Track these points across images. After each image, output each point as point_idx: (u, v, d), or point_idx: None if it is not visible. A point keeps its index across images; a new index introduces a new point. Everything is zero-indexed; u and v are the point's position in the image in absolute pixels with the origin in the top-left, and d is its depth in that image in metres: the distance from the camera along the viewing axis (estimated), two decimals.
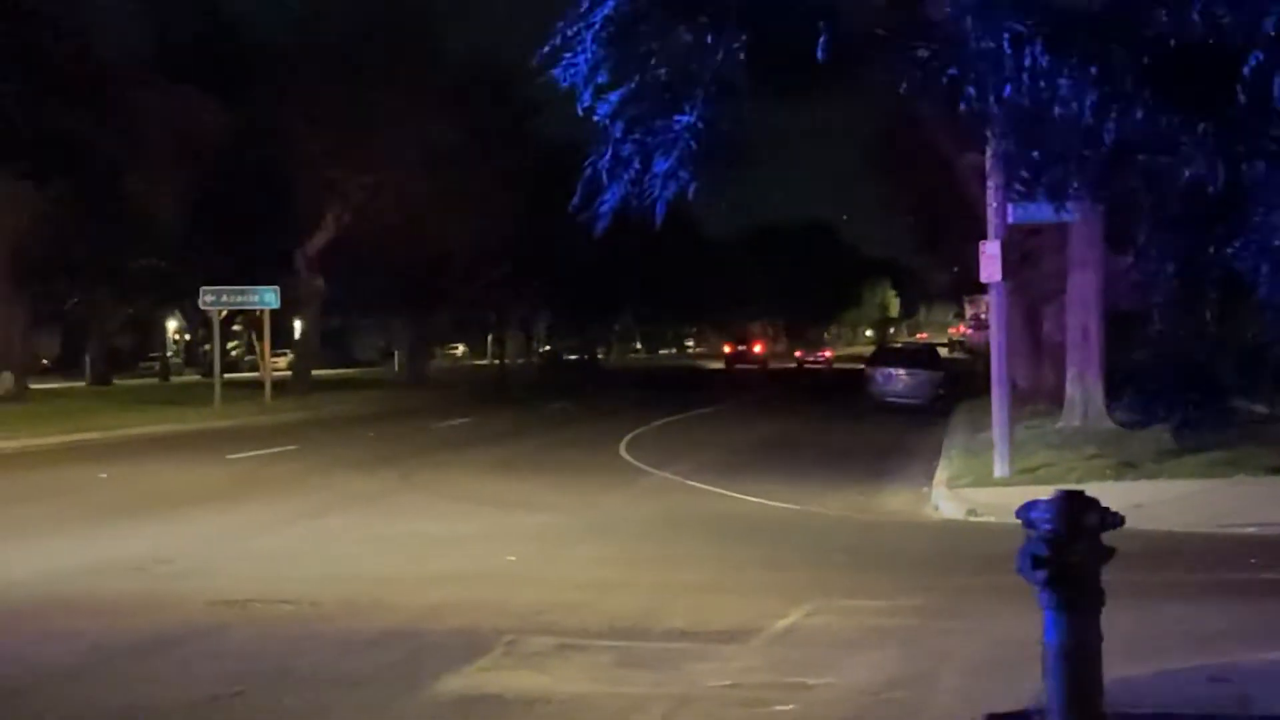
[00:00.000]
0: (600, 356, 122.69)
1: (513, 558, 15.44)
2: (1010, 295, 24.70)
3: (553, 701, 9.17)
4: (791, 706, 9.04)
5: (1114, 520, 7.03)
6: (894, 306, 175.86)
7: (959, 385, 47.07)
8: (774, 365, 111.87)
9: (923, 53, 6.57)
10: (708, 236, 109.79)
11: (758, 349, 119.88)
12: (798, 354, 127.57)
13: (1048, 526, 6.91)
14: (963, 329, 77.38)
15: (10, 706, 9.30)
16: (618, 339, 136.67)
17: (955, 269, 61.94)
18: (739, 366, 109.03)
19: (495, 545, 16.28)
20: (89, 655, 10.73)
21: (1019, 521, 7.10)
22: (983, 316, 46.82)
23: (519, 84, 63.54)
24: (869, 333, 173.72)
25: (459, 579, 13.88)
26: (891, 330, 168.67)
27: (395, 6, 61.13)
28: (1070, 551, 6.92)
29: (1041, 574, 6.94)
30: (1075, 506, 6.97)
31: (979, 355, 59.39)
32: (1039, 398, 32.91)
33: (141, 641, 11.19)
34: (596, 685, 9.62)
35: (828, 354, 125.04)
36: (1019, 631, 8.91)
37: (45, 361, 75.32)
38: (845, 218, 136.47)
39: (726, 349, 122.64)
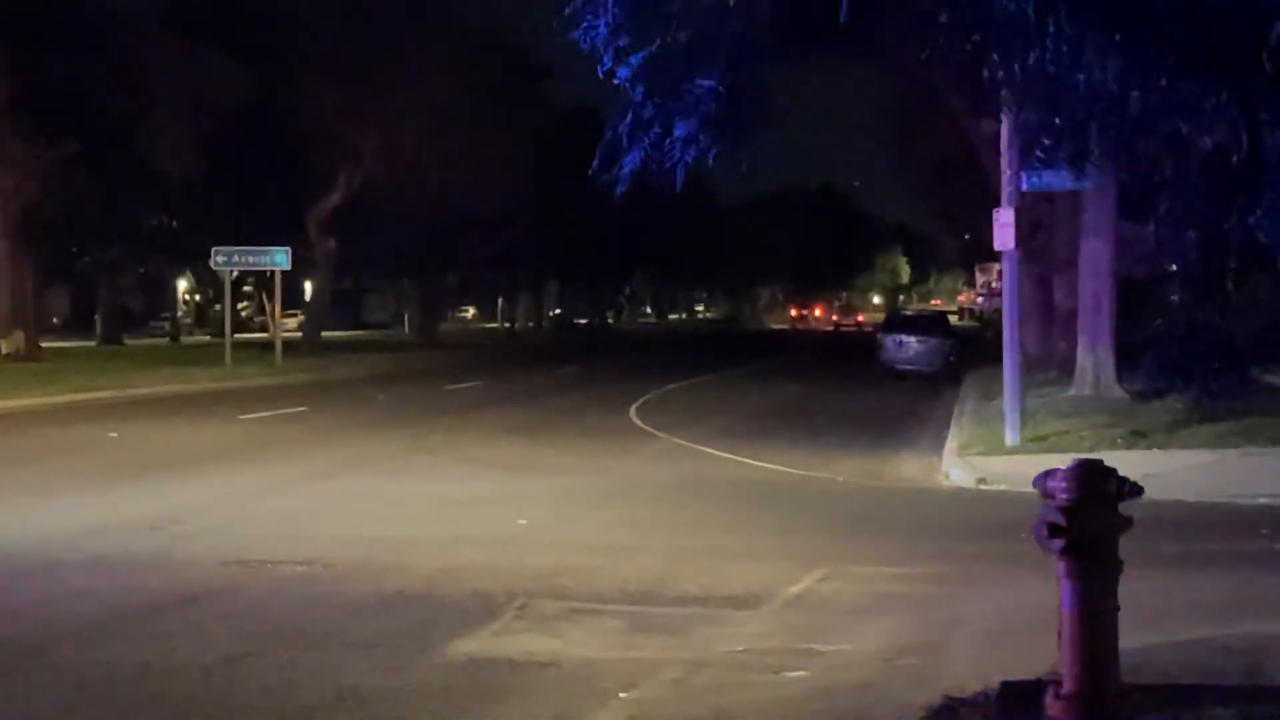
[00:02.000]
0: (610, 321, 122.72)
1: (524, 521, 15.45)
2: (1022, 263, 24.65)
3: (564, 665, 9.18)
4: (804, 672, 9.04)
5: (1132, 490, 7.02)
6: (905, 273, 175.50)
7: (968, 352, 47.01)
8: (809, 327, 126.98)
9: (945, 18, 6.54)
10: (721, 201, 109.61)
11: (818, 313, 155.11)
12: (834, 317, 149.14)
13: (1065, 495, 6.90)
14: (973, 296, 77.27)
15: (23, 666, 9.32)
16: (628, 303, 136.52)
17: (967, 236, 61.98)
18: (799, 328, 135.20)
19: (507, 509, 16.29)
20: (101, 615, 10.75)
21: (1030, 490, 7.11)
22: (994, 284, 46.68)
23: (534, 46, 63.56)
24: (876, 299, 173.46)
25: (471, 542, 13.90)
26: (901, 298, 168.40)
27: None
28: (1088, 520, 6.91)
29: (1058, 542, 6.93)
30: (1093, 475, 6.96)
31: (989, 323, 59.34)
32: (1050, 366, 32.88)
33: (154, 601, 11.21)
34: (608, 650, 9.63)
35: (860, 318, 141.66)
36: (1032, 599, 8.92)
37: (55, 320, 75.39)
38: (858, 184, 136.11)
39: (792, 312, 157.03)
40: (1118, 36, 5.92)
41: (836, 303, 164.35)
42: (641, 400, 33.48)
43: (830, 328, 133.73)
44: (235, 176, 56.30)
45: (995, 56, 6.31)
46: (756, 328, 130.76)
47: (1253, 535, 14.35)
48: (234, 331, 50.77)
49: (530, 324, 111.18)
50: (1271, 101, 5.89)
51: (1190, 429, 22.81)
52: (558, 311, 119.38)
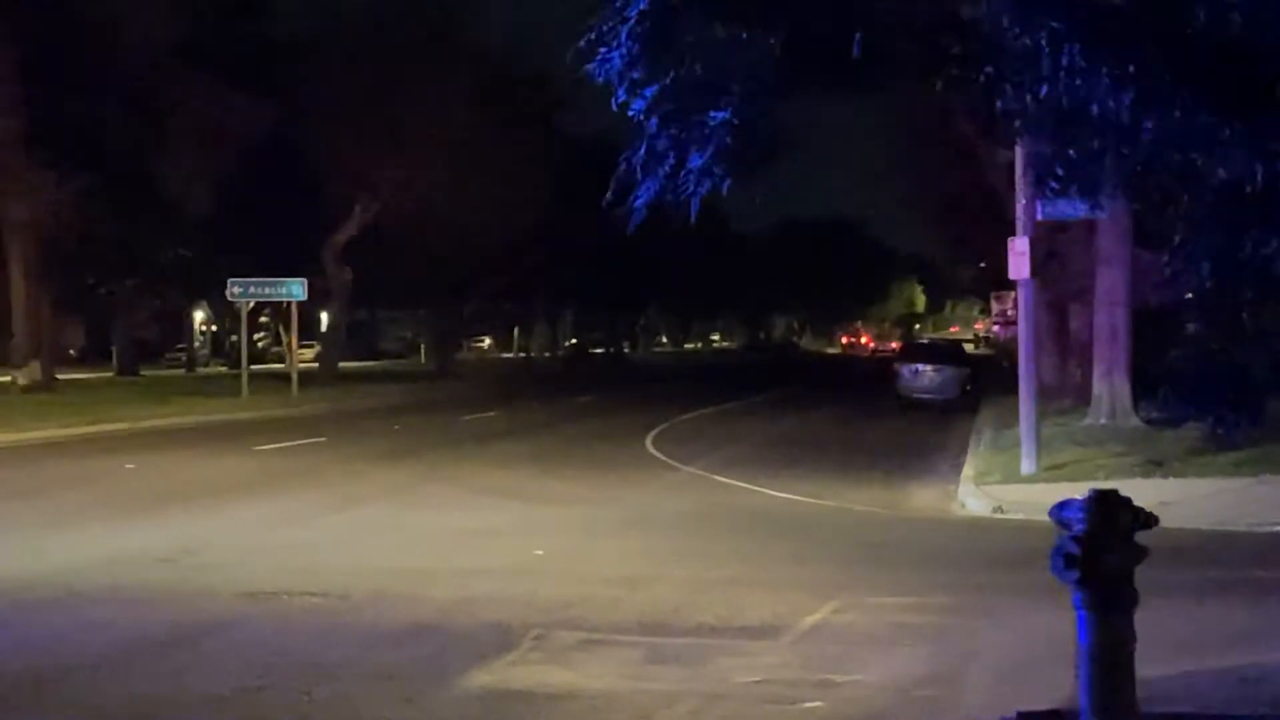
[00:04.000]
0: (626, 350, 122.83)
1: (540, 552, 15.45)
2: (1037, 292, 24.68)
3: (580, 697, 9.19)
4: (820, 703, 9.04)
5: (1148, 520, 7.02)
6: (920, 302, 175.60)
7: (985, 381, 47.02)
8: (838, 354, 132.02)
9: (957, 50, 6.57)
10: (735, 231, 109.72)
11: (865, 341, 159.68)
12: (870, 344, 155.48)
13: (1081, 526, 6.91)
14: (990, 324, 77.38)
15: (38, 697, 9.35)
16: (643, 332, 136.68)
17: (982, 265, 61.96)
18: (851, 351, 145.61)
19: (523, 539, 16.31)
20: (116, 646, 10.78)
21: (1046, 519, 7.11)
22: (1010, 313, 46.73)
23: (548, 78, 63.77)
24: (888, 327, 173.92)
25: (487, 572, 13.90)
26: (917, 326, 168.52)
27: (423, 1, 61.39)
28: (1104, 551, 6.92)
29: (1074, 573, 6.93)
30: (1109, 506, 6.97)
31: (1005, 352, 59.30)
32: (1066, 395, 32.91)
33: (169, 633, 11.22)
34: (624, 681, 9.62)
35: (895, 345, 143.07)
36: (1048, 630, 8.91)
37: (72, 351, 75.59)
38: (872, 213, 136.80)
39: (843, 340, 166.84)
40: (1130, 68, 5.93)
41: (870, 330, 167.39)
42: (657, 430, 33.51)
43: (871, 353, 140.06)
44: (251, 208, 56.45)
45: (1007, 88, 6.32)
46: (809, 354, 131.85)
47: (1270, 564, 14.34)
48: (250, 362, 50.92)
49: (546, 354, 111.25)
50: None
51: (1206, 458, 22.76)
52: (573, 341, 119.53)
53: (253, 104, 51.64)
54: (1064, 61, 6.06)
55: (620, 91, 6.52)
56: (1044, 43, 6.09)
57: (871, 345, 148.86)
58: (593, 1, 6.58)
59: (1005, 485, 20.87)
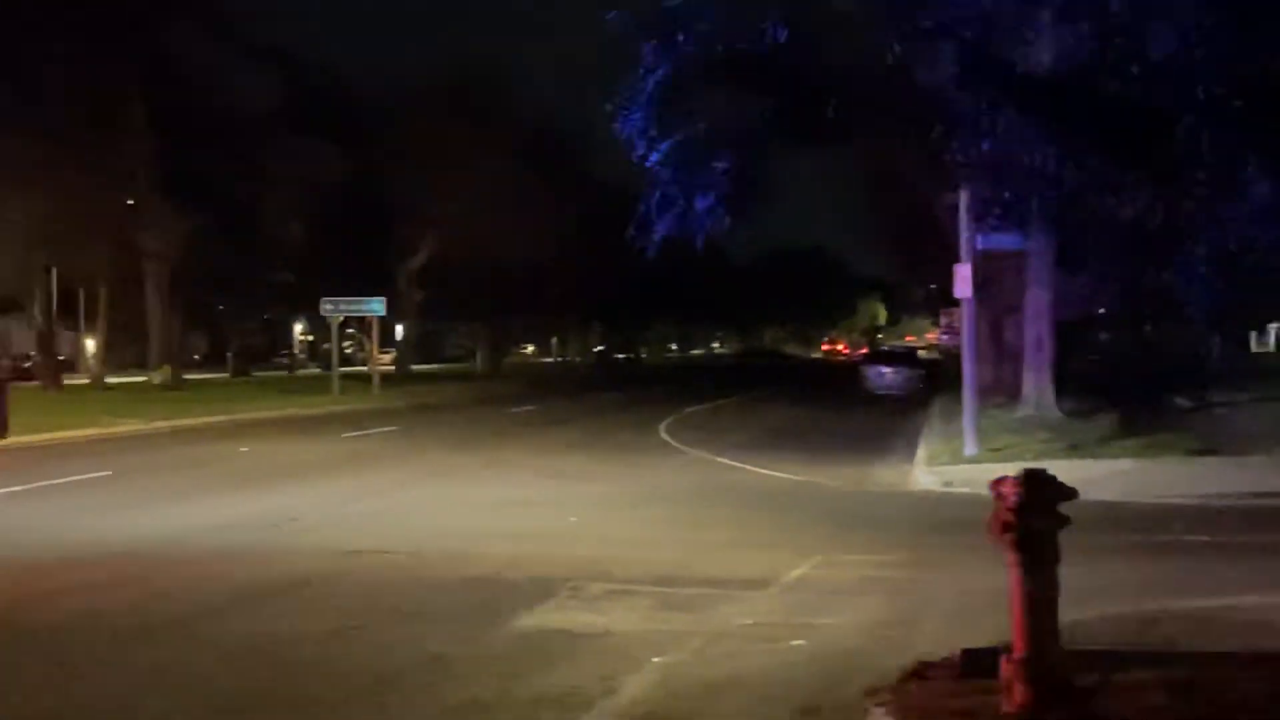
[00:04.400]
0: (643, 355, 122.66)
1: (574, 519, 15.47)
2: (978, 308, 24.64)
3: (607, 636, 9.20)
4: (802, 642, 9.04)
5: (1068, 493, 7.02)
6: (882, 316, 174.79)
7: (935, 381, 46.94)
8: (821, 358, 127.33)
9: (913, 113, 6.57)
10: (731, 257, 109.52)
11: (840, 347, 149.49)
12: (845, 350, 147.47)
13: (1014, 498, 6.91)
14: (939, 335, 77.34)
15: (172, 637, 9.39)
16: (657, 341, 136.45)
17: (933, 286, 61.75)
18: (829, 357, 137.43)
19: (560, 509, 16.32)
20: (234, 595, 10.83)
21: (986, 492, 7.11)
22: (955, 325, 46.70)
23: (579, 134, 63.87)
24: (857, 336, 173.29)
25: (531, 536, 13.91)
26: (880, 335, 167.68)
27: (478, 69, 61.58)
28: (1033, 518, 6.91)
29: (1009, 537, 6.94)
30: (1037, 481, 6.97)
31: (951, 357, 59.24)
32: (1000, 392, 32.75)
33: (276, 584, 11.27)
34: (643, 623, 9.63)
35: (863, 351, 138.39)
36: (988, 583, 8.90)
37: (196, 357, 75.69)
38: (843, 242, 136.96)
39: (824, 347, 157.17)
40: (1053, 127, 5.95)
41: (845, 339, 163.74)
42: (668, 421, 33.45)
43: (842, 358, 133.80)
44: (340, 240, 56.60)
45: (954, 144, 6.33)
46: (794, 358, 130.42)
47: (1167, 529, 14.29)
48: (340, 365, 50.88)
49: (578, 358, 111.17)
50: (1181, 181, 5.90)
51: (1115, 442, 22.80)
52: (600, 348, 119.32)
53: (340, 157, 51.85)
54: (1000, 122, 6.07)
55: (639, 146, 6.54)
56: (983, 107, 6.10)
57: (845, 351, 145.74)
58: (616, 73, 6.60)
59: (952, 465, 20.83)
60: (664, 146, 6.57)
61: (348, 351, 70.46)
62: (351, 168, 53.08)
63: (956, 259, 23.32)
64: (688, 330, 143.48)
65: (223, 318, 72.82)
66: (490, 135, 58.86)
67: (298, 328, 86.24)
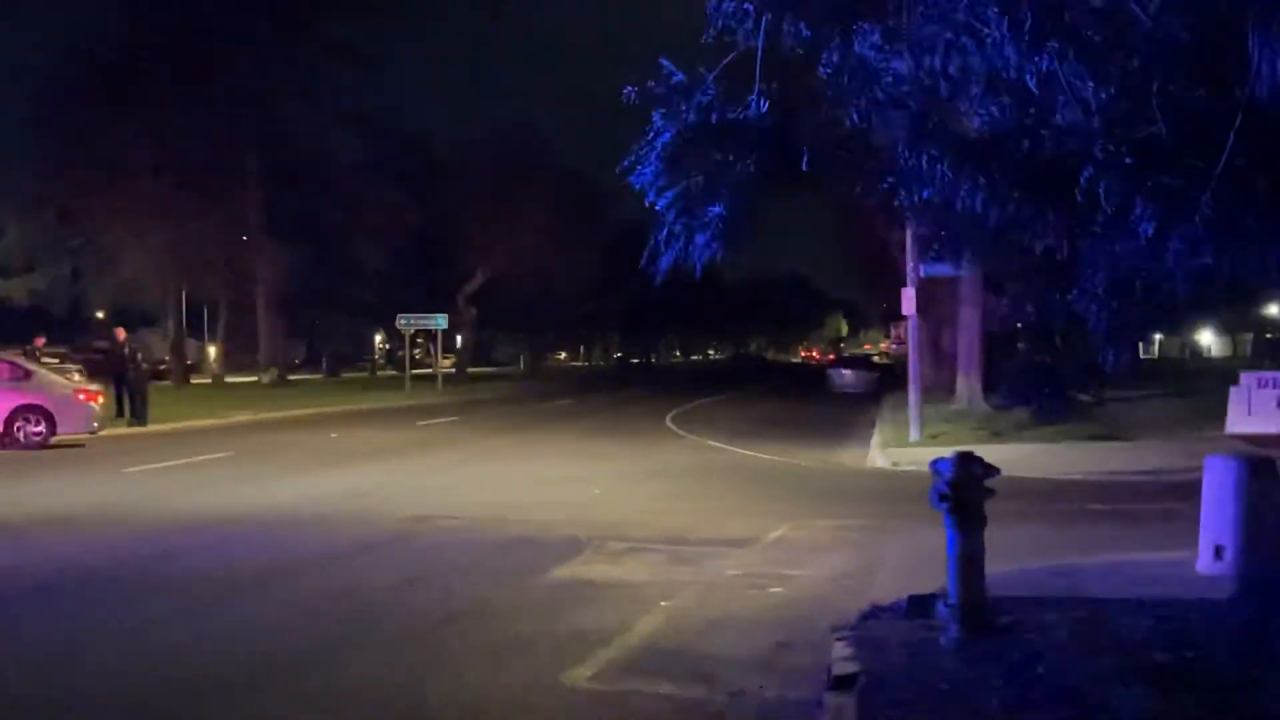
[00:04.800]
0: (653, 360, 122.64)
1: (598, 491, 15.49)
2: (920, 323, 24.66)
3: (625, 585, 9.23)
4: (780, 589, 9.07)
5: (992, 471, 7.05)
6: (844, 329, 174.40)
7: (885, 381, 46.88)
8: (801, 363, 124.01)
9: (869, 168, 6.58)
10: (723, 281, 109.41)
11: (814, 354, 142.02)
12: (817, 356, 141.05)
13: (949, 474, 6.94)
14: (889, 345, 77.34)
15: (272, 586, 9.45)
16: (665, 348, 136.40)
17: (885, 305, 61.60)
18: (807, 362, 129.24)
19: (585, 483, 16.33)
20: (323, 553, 10.88)
21: (927, 470, 7.13)
22: (902, 337, 46.70)
23: (603, 183, 64.06)
24: (824, 345, 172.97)
25: (563, 504, 13.94)
26: (842, 345, 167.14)
27: (523, 131, 61.92)
28: (964, 491, 6.94)
29: (945, 505, 6.97)
30: (967, 461, 7.01)
31: (899, 362, 59.18)
32: (939, 390, 32.74)
33: (358, 544, 11.32)
34: (653, 574, 9.66)
35: (830, 357, 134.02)
36: (928, 543, 8.91)
37: (296, 361, 75.73)
38: (812, 273, 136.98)
39: (801, 353, 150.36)
40: (981, 179, 5.94)
41: (819, 347, 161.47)
42: (673, 413, 33.46)
43: (815, 362, 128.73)
44: (411, 268, 56.72)
45: (901, 191, 6.33)
46: (776, 362, 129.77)
47: (1071, 500, 14.32)
48: (411, 368, 51.00)
49: (601, 362, 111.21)
50: (1082, 220, 5.90)
51: (1031, 430, 22.79)
52: (619, 354, 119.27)
53: (412, 202, 52.00)
54: (939, 175, 6.08)
55: (650, 194, 6.54)
56: (925, 163, 6.11)
57: (817, 357, 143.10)
58: (632, 135, 6.61)
59: (899, 448, 20.82)
60: (669, 195, 6.56)
61: (417, 357, 70.54)
62: (421, 210, 53.20)
63: (903, 283, 23.39)
64: (689, 339, 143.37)
65: (318, 329, 73.10)
66: (533, 184, 59.10)
67: (378, 337, 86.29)
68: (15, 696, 6.55)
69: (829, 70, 6.39)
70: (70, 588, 9.36)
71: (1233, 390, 23.18)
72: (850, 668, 6.42)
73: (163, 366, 48.45)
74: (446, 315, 49.99)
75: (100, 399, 22.71)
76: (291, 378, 55.34)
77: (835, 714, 5.75)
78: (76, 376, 24.42)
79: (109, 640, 7.75)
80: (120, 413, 26.09)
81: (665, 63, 6.56)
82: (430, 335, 56.01)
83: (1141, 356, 65.57)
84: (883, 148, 6.49)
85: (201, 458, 19.76)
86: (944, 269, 22.13)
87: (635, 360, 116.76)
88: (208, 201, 45.37)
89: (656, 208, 6.63)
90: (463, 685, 6.65)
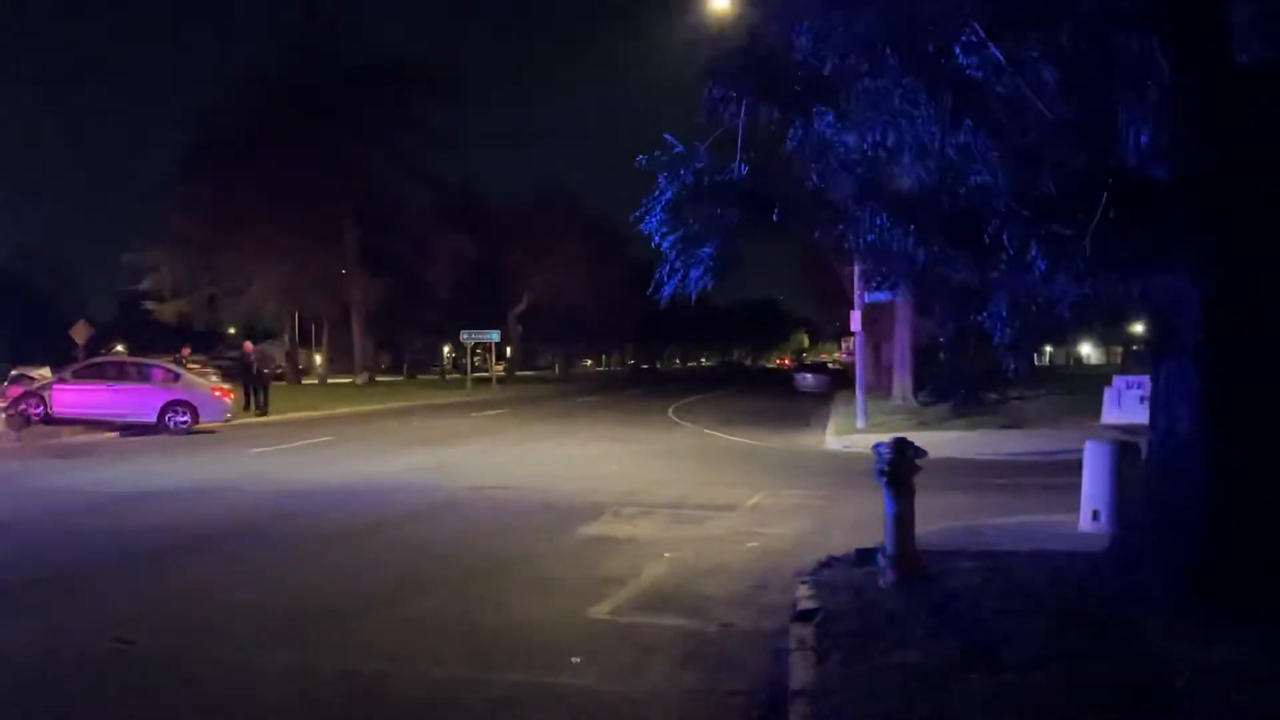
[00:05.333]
0: (658, 366, 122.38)
1: (615, 467, 15.47)
2: (865, 337, 24.64)
3: (637, 540, 9.23)
4: (756, 544, 9.07)
5: (920, 453, 7.05)
6: (806, 342, 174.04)
7: (838, 383, 46.73)
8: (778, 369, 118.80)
9: (825, 217, 6.61)
10: (713, 304, 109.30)
11: (787, 361, 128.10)
12: (789, 363, 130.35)
13: (887, 454, 6.94)
14: (841, 355, 77.32)
15: (364, 538, 9.48)
16: (668, 356, 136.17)
17: (837, 323, 61.39)
18: (780, 368, 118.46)
19: (604, 461, 16.32)
20: (407, 513, 10.90)
21: (870, 451, 7.14)
22: (851, 349, 46.63)
23: (621, 227, 64.10)
24: (790, 356, 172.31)
25: (588, 477, 13.94)
26: (804, 355, 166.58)
27: (560, 183, 62.34)
28: (898, 467, 6.94)
29: (884, 479, 6.96)
30: (901, 444, 7.00)
31: (849, 368, 59.08)
32: (879, 390, 32.70)
33: (430, 506, 11.34)
34: (659, 532, 9.66)
35: (795, 364, 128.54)
36: (871, 508, 8.90)
37: (382, 366, 75.69)
38: (782, 297, 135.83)
39: (778, 361, 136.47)
40: (911, 227, 5.96)
41: (790, 356, 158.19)
42: (673, 406, 33.44)
43: (787, 368, 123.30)
44: (471, 294, 56.72)
45: (850, 236, 6.35)
46: (754, 368, 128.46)
47: (981, 475, 14.27)
48: (471, 372, 51.02)
49: (618, 367, 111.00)
50: (990, 259, 5.91)
51: (951, 421, 22.72)
52: (632, 361, 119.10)
53: (471, 243, 52.01)
54: (879, 224, 6.10)
55: (656, 237, 6.57)
56: (868, 214, 6.13)
57: (788, 363, 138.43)
58: (642, 192, 6.65)
59: (849, 434, 20.78)
60: (671, 238, 6.59)
61: (476, 363, 70.68)
62: (479, 249, 53.13)
63: (852, 306, 23.36)
64: (686, 349, 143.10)
65: (399, 341, 72.96)
66: (566, 229, 59.22)
67: (445, 348, 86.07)
68: (180, 617, 6.61)
69: (794, 143, 6.43)
70: (216, 538, 9.42)
71: (1106, 390, 23.19)
72: (810, 604, 6.44)
73: (280, 370, 48.48)
74: (499, 331, 49.99)
75: (231, 396, 22.79)
76: (378, 379, 55.37)
77: (799, 641, 5.76)
78: (214, 378, 24.49)
79: (245, 578, 7.81)
80: (247, 406, 26.16)
81: (669, 137, 6.60)
82: (486, 346, 56.03)
83: (1036, 364, 65.35)
84: (835, 203, 6.52)
85: (309, 441, 19.81)
86: (883, 296, 22.15)
87: (644, 366, 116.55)
88: (314, 242, 45.61)
89: (661, 248, 6.67)
90: (510, 617, 6.68)
